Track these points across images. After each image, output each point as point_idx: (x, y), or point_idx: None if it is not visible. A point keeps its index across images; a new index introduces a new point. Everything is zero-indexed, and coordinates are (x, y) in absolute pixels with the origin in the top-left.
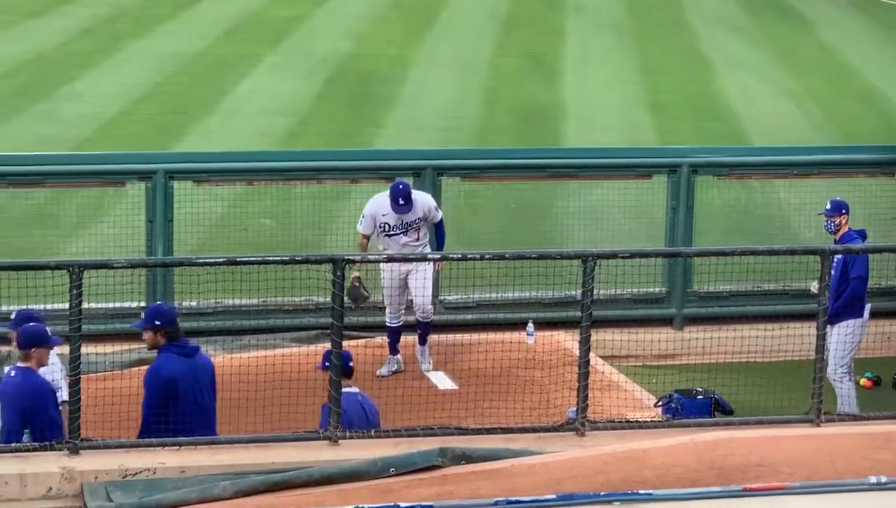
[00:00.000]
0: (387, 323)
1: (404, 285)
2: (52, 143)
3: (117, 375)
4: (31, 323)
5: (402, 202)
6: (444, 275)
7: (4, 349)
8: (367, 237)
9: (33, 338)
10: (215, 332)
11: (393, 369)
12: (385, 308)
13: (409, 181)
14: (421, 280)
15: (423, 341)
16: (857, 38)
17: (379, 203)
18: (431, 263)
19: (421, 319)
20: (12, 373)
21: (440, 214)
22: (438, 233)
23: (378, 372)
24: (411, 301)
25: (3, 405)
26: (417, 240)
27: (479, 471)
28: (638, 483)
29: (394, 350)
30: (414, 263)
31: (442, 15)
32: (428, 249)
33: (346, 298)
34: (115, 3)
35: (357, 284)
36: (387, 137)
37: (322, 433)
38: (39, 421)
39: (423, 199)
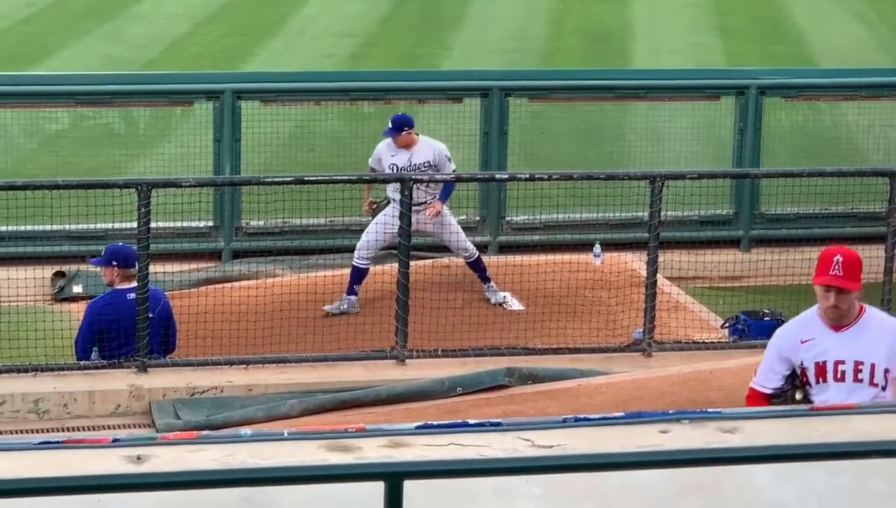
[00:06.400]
0: (354, 261)
1: (392, 236)
2: (119, 64)
3: (185, 294)
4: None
5: (390, 125)
6: (511, 196)
7: (73, 268)
8: (374, 170)
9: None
10: (282, 252)
11: (343, 308)
12: (359, 244)
13: (477, 102)
14: (447, 231)
15: (484, 280)
16: None
17: (387, 143)
18: (449, 212)
19: (468, 260)
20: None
21: (452, 166)
22: (446, 186)
23: (325, 307)
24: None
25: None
26: (427, 186)
27: (545, 391)
28: (704, 403)
29: (352, 290)
30: (423, 217)
31: None
32: (438, 200)
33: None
34: None
35: (375, 208)
36: (454, 59)
37: (389, 352)
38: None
39: (434, 143)
